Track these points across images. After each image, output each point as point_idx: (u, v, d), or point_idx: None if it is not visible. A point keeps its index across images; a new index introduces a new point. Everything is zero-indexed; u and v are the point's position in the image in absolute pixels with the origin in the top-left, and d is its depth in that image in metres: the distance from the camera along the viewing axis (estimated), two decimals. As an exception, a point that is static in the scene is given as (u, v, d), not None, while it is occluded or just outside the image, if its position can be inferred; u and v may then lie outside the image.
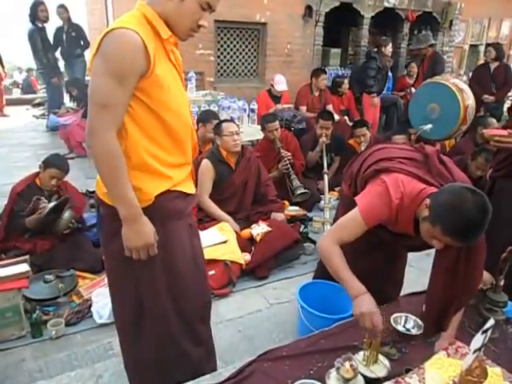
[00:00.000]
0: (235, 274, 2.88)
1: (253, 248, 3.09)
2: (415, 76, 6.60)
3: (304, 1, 6.53)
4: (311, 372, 1.53)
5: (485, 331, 1.27)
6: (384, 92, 6.56)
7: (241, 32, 6.36)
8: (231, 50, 6.38)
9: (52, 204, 2.82)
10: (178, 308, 1.60)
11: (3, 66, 8.32)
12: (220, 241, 2.96)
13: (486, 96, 5.86)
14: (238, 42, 6.40)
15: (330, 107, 5.65)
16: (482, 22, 9.35)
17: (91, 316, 2.47)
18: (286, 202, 3.89)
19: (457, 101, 3.64)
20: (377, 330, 1.56)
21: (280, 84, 5.46)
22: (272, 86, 5.51)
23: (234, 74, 6.56)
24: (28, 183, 2.97)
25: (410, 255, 2.31)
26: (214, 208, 3.26)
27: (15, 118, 8.06)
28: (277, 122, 4.15)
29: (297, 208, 3.88)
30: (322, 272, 2.15)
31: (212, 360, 1.81)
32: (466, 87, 3.82)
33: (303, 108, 5.66)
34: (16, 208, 2.89)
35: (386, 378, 1.46)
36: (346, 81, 6.19)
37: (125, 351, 1.73)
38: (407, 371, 1.50)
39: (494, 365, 1.52)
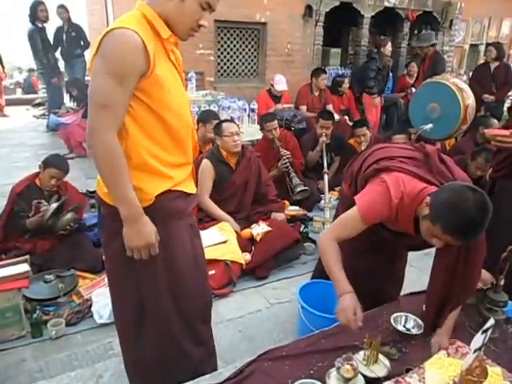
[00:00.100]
0: (235, 274, 2.88)
1: (253, 248, 3.09)
2: (415, 76, 6.60)
3: (304, 0, 6.52)
4: (311, 372, 1.52)
5: (485, 331, 1.28)
6: (384, 92, 6.55)
7: (241, 32, 6.35)
8: (231, 49, 6.37)
9: (53, 207, 2.81)
10: (179, 308, 1.60)
11: (3, 66, 8.31)
12: (220, 241, 2.96)
13: (486, 95, 5.85)
14: (238, 42, 6.39)
15: (330, 107, 5.65)
16: (483, 21, 9.34)
17: (91, 316, 2.47)
18: (286, 202, 3.89)
19: (457, 100, 3.63)
20: (352, 325, 1.55)
21: (280, 84, 5.46)
22: (272, 85, 5.51)
23: (234, 74, 6.55)
24: (28, 183, 2.96)
25: (411, 255, 2.31)
26: (214, 208, 3.26)
27: (15, 118, 8.06)
28: (275, 122, 4.14)
29: (297, 208, 3.88)
30: (320, 271, 2.15)
31: (213, 360, 1.81)
32: (466, 87, 3.81)
33: (303, 108, 5.65)
34: (16, 208, 2.88)
35: (386, 378, 1.46)
36: (346, 80, 6.18)
37: (125, 351, 1.73)
38: (407, 371, 1.50)
39: (494, 364, 1.52)
